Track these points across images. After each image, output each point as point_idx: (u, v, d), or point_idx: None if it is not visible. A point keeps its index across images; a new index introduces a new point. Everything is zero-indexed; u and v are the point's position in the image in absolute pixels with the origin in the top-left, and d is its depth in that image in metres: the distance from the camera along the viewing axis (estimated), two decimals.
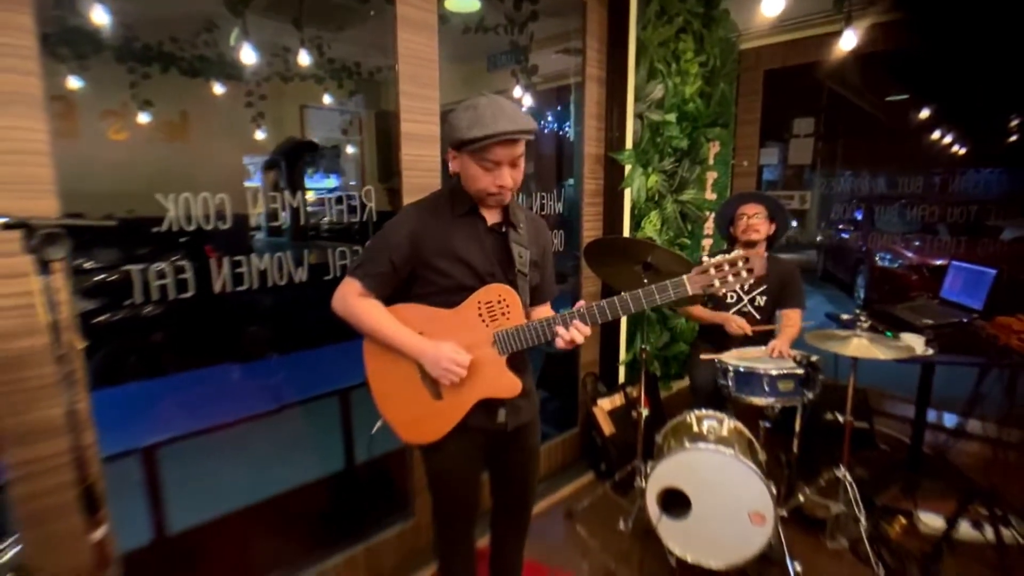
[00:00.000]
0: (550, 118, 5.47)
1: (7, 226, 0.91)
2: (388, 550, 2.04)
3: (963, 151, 4.03)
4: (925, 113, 4.18)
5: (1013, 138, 3.89)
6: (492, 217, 1.40)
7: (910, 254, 4.62)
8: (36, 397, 1.14)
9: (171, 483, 1.95)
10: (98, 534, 1.06)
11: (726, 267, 1.29)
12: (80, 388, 1.15)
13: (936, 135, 4.11)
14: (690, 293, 1.32)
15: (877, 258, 5.07)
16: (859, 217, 5.04)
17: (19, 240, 0.93)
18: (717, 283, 1.30)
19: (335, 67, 4.77)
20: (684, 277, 1.31)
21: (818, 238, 5.93)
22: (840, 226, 5.50)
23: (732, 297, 2.59)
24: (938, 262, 4.08)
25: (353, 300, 1.36)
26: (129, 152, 3.21)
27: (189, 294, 1.60)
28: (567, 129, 3.40)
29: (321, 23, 3.54)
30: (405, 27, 1.83)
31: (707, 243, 3.80)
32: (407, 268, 1.36)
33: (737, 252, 1.30)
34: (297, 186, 3.05)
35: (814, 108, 4.37)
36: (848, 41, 2.36)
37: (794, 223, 4.67)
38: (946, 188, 3.84)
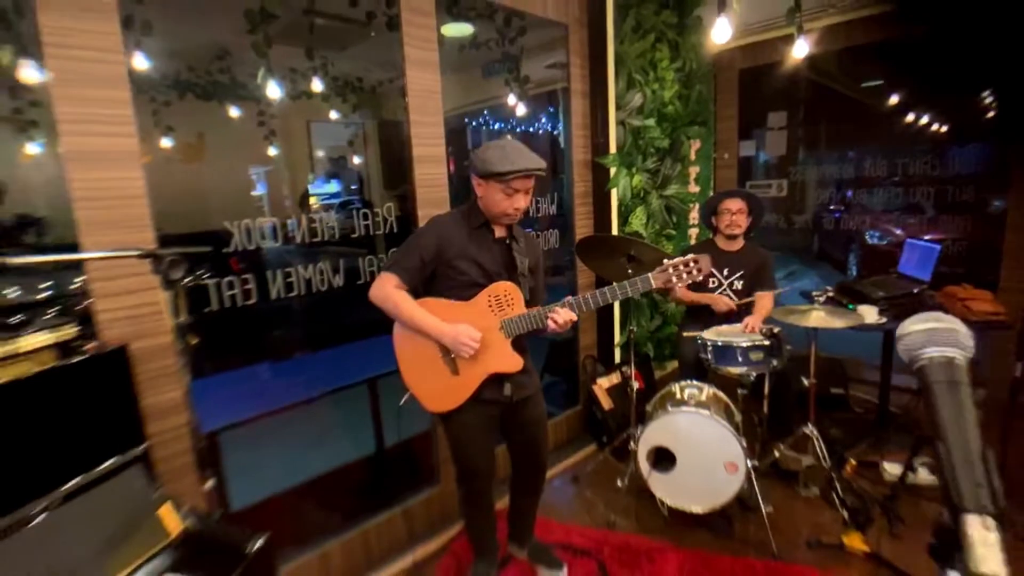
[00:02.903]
0: (543, 119, 5.76)
1: (142, 256, 1.24)
2: (419, 512, 2.38)
3: (941, 129, 4.25)
4: (903, 96, 4.41)
5: (990, 114, 4.15)
6: (499, 232, 1.76)
7: (898, 231, 4.89)
8: (162, 383, 1.48)
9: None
10: (208, 485, 1.40)
11: (681, 267, 1.66)
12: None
13: (912, 116, 4.37)
14: (654, 287, 1.69)
15: (867, 236, 5.34)
16: (849, 197, 5.29)
17: (149, 265, 1.26)
18: (675, 279, 1.66)
19: (339, 84, 5.11)
20: (649, 275, 1.67)
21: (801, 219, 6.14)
22: (831, 207, 5.78)
23: (714, 282, 2.90)
24: (927, 237, 4.35)
25: (390, 290, 1.69)
26: (149, 172, 3.53)
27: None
28: (558, 131, 3.69)
29: (326, 45, 3.85)
30: (412, 66, 2.15)
31: (693, 232, 4.11)
32: (432, 266, 1.71)
33: (690, 256, 1.66)
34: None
35: (790, 101, 4.65)
36: (800, 49, 2.66)
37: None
38: (925, 166, 4.09)
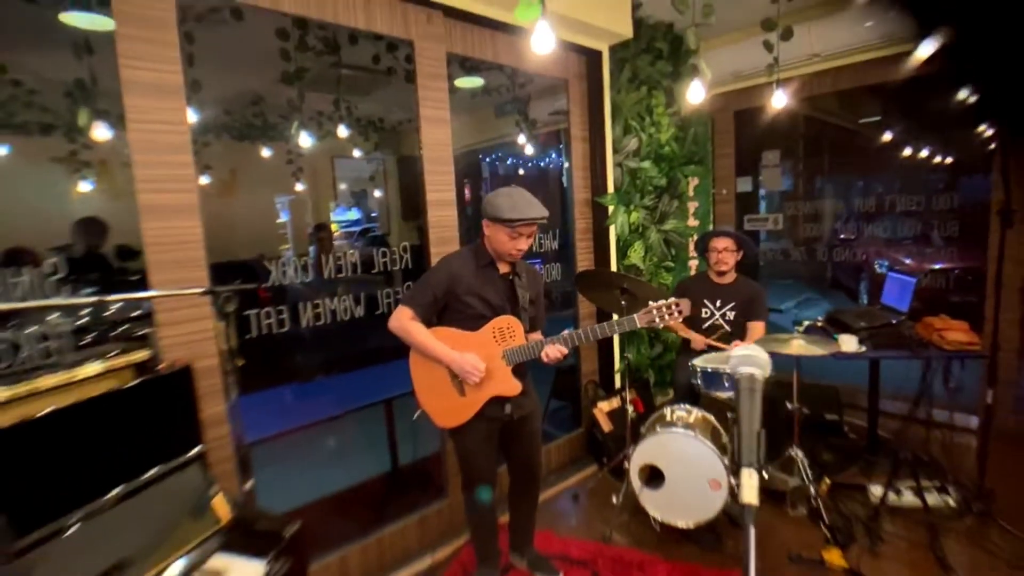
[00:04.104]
0: (553, 155, 6.07)
1: (204, 292, 1.52)
2: (431, 521, 2.60)
3: (945, 161, 4.39)
4: (903, 131, 4.58)
5: (992, 146, 4.30)
6: (503, 268, 2.03)
7: (907, 260, 5.04)
8: (208, 399, 1.75)
9: None
10: (248, 485, 1.65)
11: (664, 309, 1.92)
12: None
13: (910, 150, 4.55)
14: (639, 327, 1.94)
15: (876, 266, 5.48)
16: (857, 228, 5.43)
17: (208, 299, 1.54)
18: (657, 320, 1.92)
19: (362, 124, 5.53)
20: (635, 316, 1.94)
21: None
22: (842, 236, 5.93)
23: (707, 312, 3.12)
24: (937, 266, 4.49)
25: (406, 321, 1.95)
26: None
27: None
28: (560, 163, 3.97)
29: (351, 91, 4.24)
30: (427, 124, 2.46)
31: (693, 264, 4.33)
32: (443, 301, 1.97)
33: (672, 300, 1.91)
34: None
35: (788, 138, 4.87)
36: (779, 100, 2.91)
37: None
38: (927, 198, 4.23)
